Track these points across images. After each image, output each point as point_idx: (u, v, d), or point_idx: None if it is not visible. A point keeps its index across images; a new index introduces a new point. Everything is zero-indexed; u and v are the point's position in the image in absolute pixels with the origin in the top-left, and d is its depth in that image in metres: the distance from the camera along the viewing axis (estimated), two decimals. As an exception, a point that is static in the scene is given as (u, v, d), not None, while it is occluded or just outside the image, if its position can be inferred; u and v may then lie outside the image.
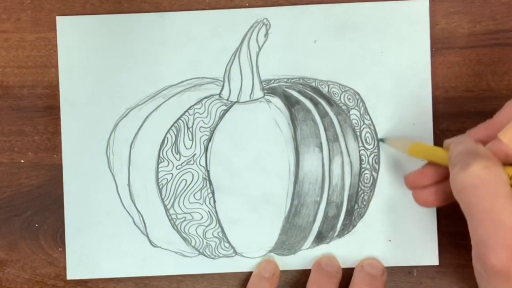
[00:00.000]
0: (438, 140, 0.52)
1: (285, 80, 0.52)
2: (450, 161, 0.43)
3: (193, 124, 0.52)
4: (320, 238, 0.52)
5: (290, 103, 0.52)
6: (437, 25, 0.53)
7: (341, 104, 0.52)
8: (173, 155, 0.52)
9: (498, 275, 0.39)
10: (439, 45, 0.53)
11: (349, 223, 0.52)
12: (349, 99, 0.52)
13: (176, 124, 0.52)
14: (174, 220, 0.52)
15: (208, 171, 0.52)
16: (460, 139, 0.44)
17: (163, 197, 0.52)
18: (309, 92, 0.52)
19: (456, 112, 0.53)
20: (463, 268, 0.52)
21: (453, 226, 0.52)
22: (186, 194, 0.52)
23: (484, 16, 0.53)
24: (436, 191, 0.47)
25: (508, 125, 0.42)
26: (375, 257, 0.52)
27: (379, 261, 0.52)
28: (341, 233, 0.52)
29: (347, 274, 0.52)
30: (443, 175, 0.46)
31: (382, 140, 0.52)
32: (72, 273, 0.52)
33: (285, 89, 0.52)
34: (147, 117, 0.52)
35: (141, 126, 0.52)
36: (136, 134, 0.52)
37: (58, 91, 0.53)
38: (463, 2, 0.53)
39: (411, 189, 0.48)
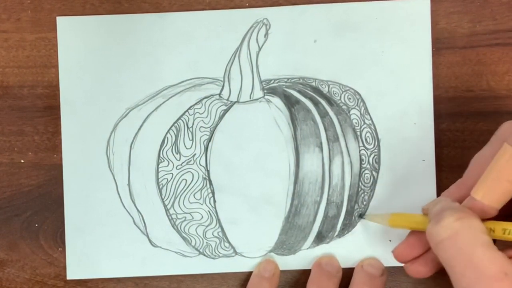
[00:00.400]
0: (439, 140, 0.52)
1: (285, 80, 0.52)
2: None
3: (193, 124, 0.52)
4: (320, 238, 0.52)
5: (290, 103, 0.52)
6: (437, 25, 0.52)
7: (341, 104, 0.52)
8: (173, 155, 0.52)
9: None
10: (439, 45, 0.53)
11: (349, 223, 0.52)
12: (350, 98, 0.52)
13: (176, 124, 0.52)
14: (174, 220, 0.52)
15: (208, 171, 0.52)
16: (436, 200, 0.44)
17: (163, 197, 0.52)
18: (309, 92, 0.52)
19: (456, 112, 0.53)
20: (464, 268, 0.52)
21: (453, 226, 0.52)
22: (186, 194, 0.52)
23: (484, 16, 0.53)
24: (426, 261, 0.46)
25: (478, 182, 0.42)
26: (375, 257, 0.52)
27: (379, 261, 0.52)
28: (341, 233, 0.52)
29: (347, 274, 0.52)
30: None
31: (361, 216, 0.52)
32: (72, 273, 0.52)
33: (285, 89, 0.52)
34: (147, 117, 0.52)
35: (141, 126, 0.52)
36: (136, 134, 0.52)
37: (58, 91, 0.53)
38: (463, 2, 0.53)
39: (401, 262, 0.47)
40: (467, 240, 0.39)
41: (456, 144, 0.53)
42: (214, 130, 0.52)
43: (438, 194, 0.52)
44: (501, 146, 0.42)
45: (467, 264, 0.39)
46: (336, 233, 0.52)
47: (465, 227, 0.39)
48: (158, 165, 0.52)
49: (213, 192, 0.52)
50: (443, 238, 0.40)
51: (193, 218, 0.52)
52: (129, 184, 0.52)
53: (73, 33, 0.53)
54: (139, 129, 0.52)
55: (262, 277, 0.51)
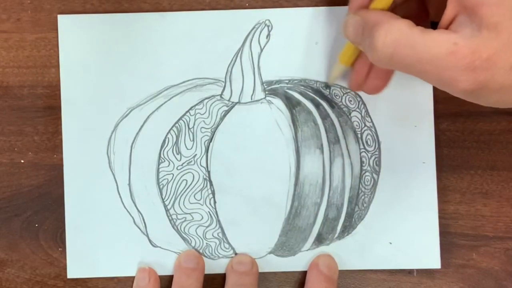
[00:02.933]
0: (439, 141, 0.52)
1: (287, 81, 0.52)
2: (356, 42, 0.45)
3: (194, 124, 0.52)
4: (320, 239, 0.52)
5: (291, 104, 0.52)
6: (438, 25, 0.52)
7: (342, 106, 0.52)
8: (174, 155, 0.52)
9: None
10: (441, 45, 0.52)
11: (349, 225, 0.52)
12: (351, 101, 0.52)
13: (177, 124, 0.52)
14: (174, 220, 0.52)
15: (208, 172, 0.52)
16: (350, 22, 0.46)
17: (163, 197, 0.52)
18: (310, 94, 0.52)
19: (456, 112, 0.53)
20: (463, 268, 0.52)
21: (453, 226, 0.53)
22: (186, 195, 0.52)
23: (486, 16, 0.52)
24: (377, 75, 0.48)
25: None
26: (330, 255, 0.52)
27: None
28: (341, 235, 0.52)
29: (347, 276, 0.52)
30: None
31: (328, 87, 0.52)
32: (72, 273, 0.52)
33: (287, 90, 0.52)
34: (148, 117, 0.52)
35: (142, 126, 0.52)
36: (137, 134, 0.52)
37: (58, 91, 0.52)
38: (465, 2, 0.53)
39: (357, 89, 0.51)
40: (405, 45, 0.41)
41: (456, 144, 0.53)
42: (215, 131, 0.52)
43: (439, 196, 0.52)
44: None
45: (421, 62, 0.40)
46: (336, 235, 0.52)
47: (395, 36, 0.41)
48: (158, 165, 0.52)
49: (213, 193, 0.52)
50: (388, 58, 0.41)
51: (193, 218, 0.52)
52: (129, 184, 0.52)
53: (74, 31, 0.52)
54: (140, 129, 0.52)
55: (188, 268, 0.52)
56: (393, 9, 0.46)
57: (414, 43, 0.40)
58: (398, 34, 0.41)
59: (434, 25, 0.44)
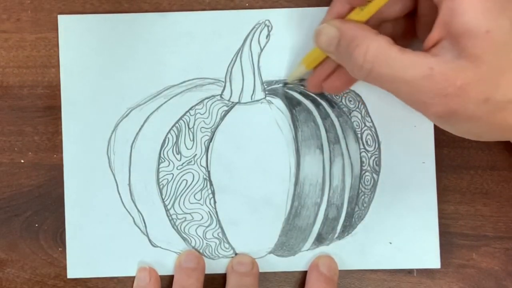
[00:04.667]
0: (439, 140, 0.52)
1: (287, 81, 0.52)
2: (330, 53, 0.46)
3: (194, 124, 0.52)
4: (320, 239, 0.52)
5: (291, 104, 0.52)
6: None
7: (342, 106, 0.52)
8: (174, 155, 0.52)
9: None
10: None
11: (349, 225, 0.52)
12: (351, 101, 0.52)
13: (177, 124, 0.52)
14: (174, 220, 0.52)
15: (208, 172, 0.52)
16: (324, 30, 0.46)
17: (163, 197, 0.52)
18: (310, 94, 0.52)
19: (456, 112, 0.53)
20: (463, 268, 0.52)
21: (453, 226, 0.53)
22: (186, 195, 0.52)
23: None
24: (339, 77, 0.48)
25: None
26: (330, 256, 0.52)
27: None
28: (341, 235, 0.52)
29: (347, 276, 0.52)
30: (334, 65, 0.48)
31: (285, 83, 0.52)
32: (72, 272, 0.52)
33: (287, 90, 0.52)
34: (148, 117, 0.52)
35: (142, 126, 0.52)
36: (137, 134, 0.52)
37: (58, 91, 0.52)
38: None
39: (315, 90, 0.51)
40: (383, 63, 0.41)
41: (456, 144, 0.53)
42: (215, 131, 0.52)
43: (439, 196, 0.52)
44: None
45: (396, 82, 0.41)
46: (336, 235, 0.52)
47: (375, 52, 0.41)
48: (158, 165, 0.52)
49: (213, 193, 0.52)
50: (366, 74, 0.42)
51: (193, 218, 0.52)
52: (129, 184, 0.52)
53: (74, 31, 0.52)
54: (140, 129, 0.52)
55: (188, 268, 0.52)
56: (380, 25, 0.47)
57: (392, 62, 0.41)
58: (377, 51, 0.41)
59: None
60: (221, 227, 0.52)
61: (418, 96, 0.41)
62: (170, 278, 0.52)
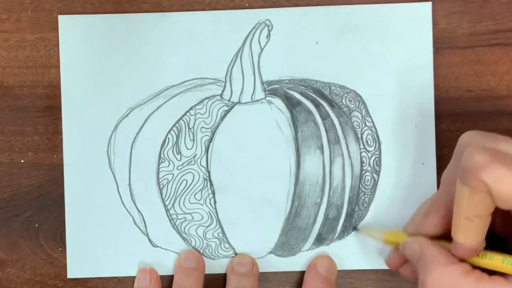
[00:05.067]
0: (439, 140, 0.52)
1: (287, 81, 0.52)
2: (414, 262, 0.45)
3: (194, 124, 0.52)
4: (320, 239, 0.52)
5: (291, 104, 0.52)
6: (437, 25, 0.52)
7: (342, 106, 0.52)
8: (174, 155, 0.52)
9: None
10: (440, 45, 0.52)
11: (349, 225, 0.52)
12: (351, 101, 0.52)
13: (177, 124, 0.52)
14: (175, 220, 0.52)
15: (209, 172, 0.52)
16: (416, 240, 0.45)
17: (163, 197, 0.52)
18: (310, 94, 0.52)
19: (456, 112, 0.53)
20: (462, 268, 0.52)
21: (452, 227, 0.53)
22: (186, 195, 0.52)
23: (484, 16, 0.53)
24: (413, 269, 0.47)
25: (453, 224, 0.42)
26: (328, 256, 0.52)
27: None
28: (341, 235, 0.52)
29: (347, 276, 0.52)
30: None
31: (356, 229, 0.52)
32: (72, 273, 0.52)
33: (287, 90, 0.52)
34: (148, 117, 0.52)
35: (142, 126, 0.52)
36: (137, 134, 0.52)
37: (58, 91, 0.52)
38: (463, 2, 0.53)
39: (392, 269, 0.50)
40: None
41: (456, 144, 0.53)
42: (215, 131, 0.52)
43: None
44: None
45: None
46: (336, 235, 0.52)
47: (447, 280, 0.41)
48: (159, 165, 0.52)
49: (213, 193, 0.52)
50: None
51: (193, 218, 0.52)
52: (129, 184, 0.52)
53: (74, 31, 0.52)
54: (140, 129, 0.52)
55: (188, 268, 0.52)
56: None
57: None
58: (451, 280, 0.41)
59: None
60: (221, 227, 0.52)
61: None
62: (170, 278, 0.52)
